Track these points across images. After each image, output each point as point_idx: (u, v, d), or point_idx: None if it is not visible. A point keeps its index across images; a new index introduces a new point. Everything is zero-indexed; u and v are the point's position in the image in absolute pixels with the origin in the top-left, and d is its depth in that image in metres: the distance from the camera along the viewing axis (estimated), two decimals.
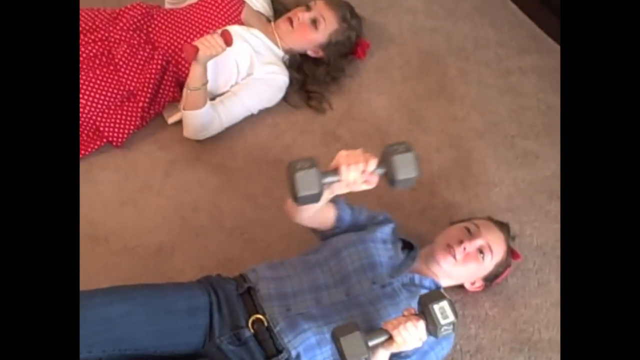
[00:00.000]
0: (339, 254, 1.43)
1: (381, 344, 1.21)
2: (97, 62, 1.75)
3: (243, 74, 1.81)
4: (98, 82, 1.72)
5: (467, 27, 2.16)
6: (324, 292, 1.38)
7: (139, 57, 1.77)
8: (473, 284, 1.51)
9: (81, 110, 1.71)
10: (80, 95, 1.70)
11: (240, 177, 1.78)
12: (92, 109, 1.72)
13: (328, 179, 1.22)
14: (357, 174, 1.21)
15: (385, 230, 1.50)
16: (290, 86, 1.90)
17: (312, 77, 1.93)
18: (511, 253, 1.51)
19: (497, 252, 1.45)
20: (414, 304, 1.27)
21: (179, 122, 1.79)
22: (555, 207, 1.77)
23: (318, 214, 1.44)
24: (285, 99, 1.91)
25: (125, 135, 1.76)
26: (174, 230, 1.66)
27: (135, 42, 1.79)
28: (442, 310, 1.19)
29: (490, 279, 1.50)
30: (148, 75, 1.76)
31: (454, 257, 1.42)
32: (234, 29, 1.74)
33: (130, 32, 1.79)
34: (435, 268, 1.44)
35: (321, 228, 1.50)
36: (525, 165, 1.86)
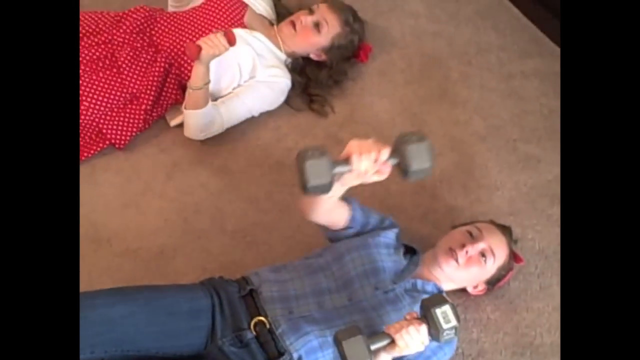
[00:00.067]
0: (341, 259, 1.42)
1: (383, 348, 1.20)
2: (100, 64, 1.75)
3: (245, 76, 1.81)
4: (101, 84, 1.73)
5: (470, 31, 2.16)
6: (327, 296, 1.37)
7: (142, 59, 1.77)
8: (475, 287, 1.51)
9: (84, 112, 1.71)
10: (83, 98, 1.71)
11: (242, 179, 1.78)
12: (95, 112, 1.72)
13: (339, 169, 1.17)
14: (369, 163, 1.16)
15: (389, 235, 1.49)
16: (293, 89, 1.90)
17: (314, 81, 1.93)
18: (513, 256, 1.51)
19: (499, 255, 1.45)
20: (417, 310, 1.26)
21: (182, 125, 1.79)
22: (557, 211, 1.77)
23: (331, 212, 1.42)
24: (287, 102, 1.91)
25: (127, 138, 1.76)
26: (176, 233, 1.66)
27: (138, 45, 1.79)
28: (445, 314, 1.18)
29: (492, 283, 1.50)
30: (151, 78, 1.76)
31: (457, 260, 1.42)
32: (236, 32, 1.75)
33: (134, 35, 1.80)
34: (438, 272, 1.44)
35: (333, 227, 1.47)
36: (528, 169, 1.86)
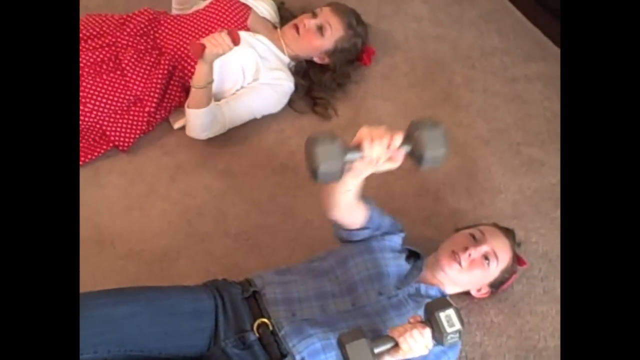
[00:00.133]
0: (345, 264, 1.42)
1: (387, 351, 1.20)
2: (104, 67, 1.76)
3: (249, 79, 1.82)
4: (105, 87, 1.73)
5: (473, 35, 2.16)
6: (330, 300, 1.37)
7: (146, 62, 1.78)
8: (479, 290, 1.51)
9: (88, 114, 1.71)
10: (87, 100, 1.71)
11: (245, 182, 1.78)
12: (99, 114, 1.73)
13: (350, 156, 1.13)
14: (380, 149, 1.13)
15: (395, 240, 1.49)
16: (296, 92, 1.90)
17: (317, 84, 1.94)
18: (517, 259, 1.51)
19: (502, 258, 1.45)
20: (421, 314, 1.26)
21: (185, 127, 1.79)
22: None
23: (351, 210, 1.39)
24: (290, 105, 1.91)
25: (131, 140, 1.76)
26: (179, 235, 1.66)
27: (142, 47, 1.80)
28: (449, 318, 1.18)
29: (496, 286, 1.49)
30: (155, 81, 1.76)
31: (459, 263, 1.41)
32: (240, 35, 1.75)
33: (137, 38, 1.80)
34: (441, 275, 1.44)
35: (350, 226, 1.44)
36: (531, 172, 1.85)
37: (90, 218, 1.65)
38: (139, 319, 1.27)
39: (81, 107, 1.71)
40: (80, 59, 1.73)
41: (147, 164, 1.78)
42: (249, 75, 1.81)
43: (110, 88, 1.74)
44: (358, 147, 1.14)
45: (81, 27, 1.81)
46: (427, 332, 1.19)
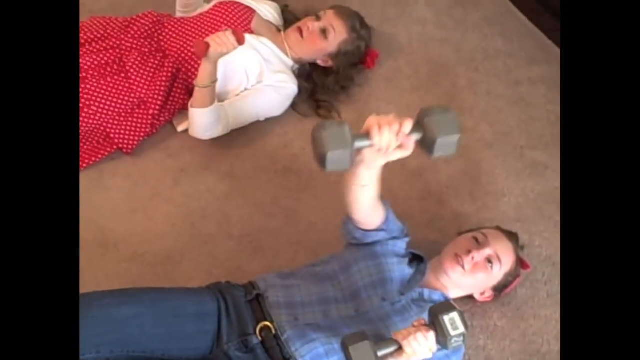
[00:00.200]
0: (349, 269, 1.42)
1: (390, 355, 1.20)
2: (109, 69, 1.76)
3: (253, 81, 1.82)
4: (109, 89, 1.74)
5: (477, 38, 2.16)
6: (333, 305, 1.37)
7: (150, 64, 1.78)
8: (482, 294, 1.50)
9: (92, 117, 1.72)
10: (91, 103, 1.72)
11: (248, 185, 1.78)
12: (103, 116, 1.73)
13: (359, 143, 1.09)
14: (390, 136, 1.10)
15: (399, 244, 1.48)
16: (300, 95, 1.91)
17: (321, 86, 1.94)
18: (520, 263, 1.50)
19: (505, 261, 1.44)
20: (424, 318, 1.26)
21: (188, 129, 1.79)
22: None
23: (371, 209, 1.37)
24: (294, 108, 1.91)
25: (135, 143, 1.77)
26: (182, 238, 1.66)
27: (146, 50, 1.80)
28: (453, 321, 1.18)
29: (499, 289, 1.49)
30: (158, 83, 1.77)
31: (463, 267, 1.41)
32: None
33: (142, 40, 1.81)
34: (444, 279, 1.44)
35: (367, 226, 1.42)
36: (535, 175, 1.85)
37: (94, 220, 1.66)
38: (142, 320, 1.27)
39: (85, 110, 1.71)
40: (85, 62, 1.74)
41: (150, 167, 1.78)
42: (252, 77, 1.81)
43: (114, 90, 1.74)
44: (367, 135, 1.11)
45: (85, 30, 1.81)
46: (431, 335, 1.19)
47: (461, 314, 1.20)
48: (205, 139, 1.77)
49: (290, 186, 1.79)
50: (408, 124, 1.11)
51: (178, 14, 1.97)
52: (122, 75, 1.76)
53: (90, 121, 1.72)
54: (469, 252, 1.41)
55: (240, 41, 1.60)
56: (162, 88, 1.77)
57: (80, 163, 1.73)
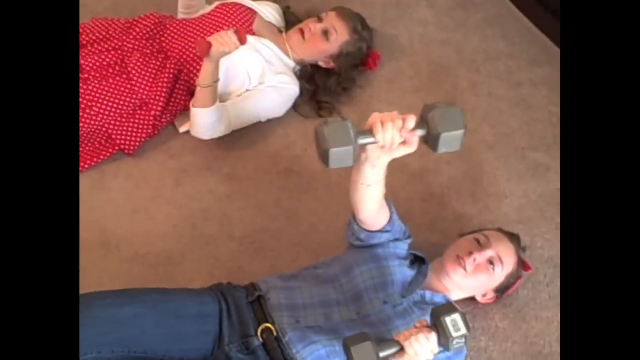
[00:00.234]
0: (350, 272, 1.41)
1: (392, 356, 1.20)
2: (111, 71, 1.76)
3: (254, 83, 1.82)
4: (111, 90, 1.74)
5: (478, 39, 2.16)
6: (335, 308, 1.37)
7: (152, 66, 1.78)
8: (484, 296, 1.50)
9: (94, 118, 1.72)
10: (93, 104, 1.72)
11: (250, 186, 1.78)
12: (105, 117, 1.73)
13: (362, 140, 1.08)
14: (394, 132, 1.09)
15: (401, 246, 1.47)
16: (301, 97, 1.91)
17: (323, 88, 1.94)
18: (522, 264, 1.50)
19: (507, 263, 1.44)
20: (426, 320, 1.26)
21: (190, 131, 1.79)
22: None
23: (378, 209, 1.36)
24: (296, 109, 1.91)
25: (137, 144, 1.77)
26: (184, 239, 1.67)
27: (148, 51, 1.80)
28: (455, 322, 1.17)
29: (501, 291, 1.49)
30: (160, 84, 1.77)
31: (464, 268, 1.41)
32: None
33: (144, 42, 1.81)
34: (447, 280, 1.44)
35: (373, 227, 1.42)
36: (536, 177, 1.85)
37: (95, 221, 1.66)
38: (143, 320, 1.27)
39: (87, 111, 1.72)
40: (87, 63, 1.74)
41: (152, 168, 1.78)
42: (254, 79, 1.81)
43: (116, 92, 1.74)
44: (370, 132, 1.10)
45: (88, 31, 1.81)
46: (433, 336, 1.19)
47: (463, 316, 1.19)
48: (207, 139, 1.76)
49: (292, 187, 1.79)
50: (411, 120, 1.11)
51: (180, 16, 1.97)
52: (124, 76, 1.77)
53: (92, 122, 1.72)
54: (470, 253, 1.41)
55: (243, 41, 1.59)
56: (164, 89, 1.77)
57: (82, 164, 1.73)
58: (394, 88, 2.02)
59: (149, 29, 1.83)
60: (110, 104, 1.73)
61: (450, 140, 1.07)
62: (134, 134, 1.76)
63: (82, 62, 1.74)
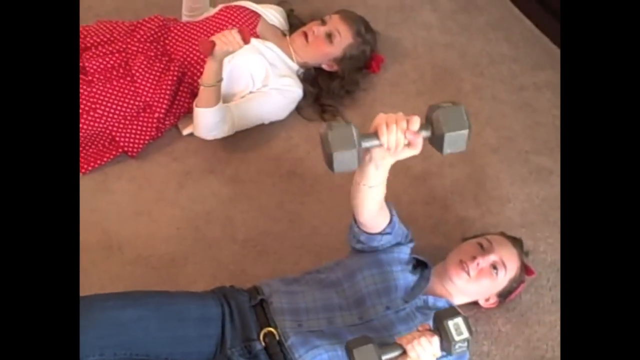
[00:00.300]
0: (353, 277, 1.41)
1: (395, 358, 1.19)
2: (115, 73, 1.77)
3: (258, 85, 1.82)
4: (115, 93, 1.74)
5: (482, 43, 2.16)
6: (337, 312, 1.36)
7: (156, 68, 1.79)
8: (487, 300, 1.50)
9: (98, 120, 1.72)
10: (97, 106, 1.72)
11: (253, 189, 1.78)
12: (109, 120, 1.74)
13: (366, 143, 1.08)
14: (398, 134, 1.08)
15: (404, 250, 1.47)
16: (305, 99, 1.91)
17: (326, 91, 1.94)
18: (525, 269, 1.50)
19: (510, 267, 1.44)
20: (429, 324, 1.25)
21: (194, 134, 1.80)
22: None
23: (378, 211, 1.36)
24: (299, 112, 1.92)
25: (140, 146, 1.77)
26: (187, 241, 1.67)
27: (152, 53, 1.81)
28: (457, 326, 1.17)
29: (504, 295, 1.48)
30: (164, 87, 1.77)
31: (467, 273, 1.41)
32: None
33: (148, 44, 1.81)
34: (449, 285, 1.43)
35: (373, 230, 1.41)
36: (540, 181, 1.85)
37: (98, 223, 1.66)
38: (146, 323, 1.27)
39: (91, 113, 1.72)
40: (91, 65, 1.75)
41: (155, 170, 1.79)
42: (258, 81, 1.81)
43: (120, 94, 1.75)
44: (375, 134, 1.10)
45: (92, 34, 1.82)
46: (436, 340, 1.18)
47: (465, 320, 1.19)
48: (210, 138, 1.77)
49: (294, 190, 1.79)
50: (416, 121, 1.10)
51: (184, 18, 1.98)
52: (128, 78, 1.77)
53: (96, 124, 1.73)
54: (473, 258, 1.41)
55: (246, 40, 1.59)
56: (168, 92, 1.77)
57: (86, 166, 1.73)
58: (397, 91, 2.02)
59: (153, 32, 1.84)
60: (114, 106, 1.74)
61: (455, 139, 1.07)
62: (138, 136, 1.77)
63: (86, 64, 1.74)
